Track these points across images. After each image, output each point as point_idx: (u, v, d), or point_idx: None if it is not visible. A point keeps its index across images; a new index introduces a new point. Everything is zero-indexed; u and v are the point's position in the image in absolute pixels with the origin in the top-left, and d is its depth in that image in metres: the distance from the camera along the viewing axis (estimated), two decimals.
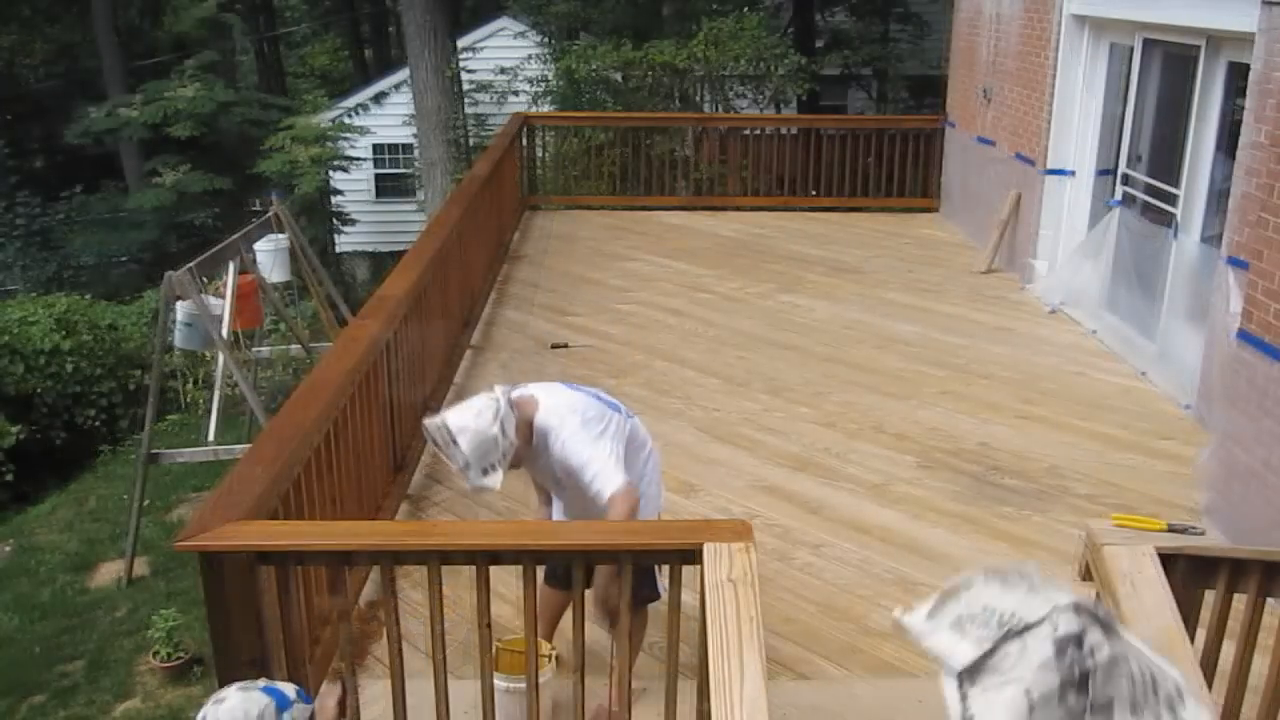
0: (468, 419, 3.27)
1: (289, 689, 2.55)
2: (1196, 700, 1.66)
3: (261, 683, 2.55)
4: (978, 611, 1.62)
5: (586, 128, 12.37)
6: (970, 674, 1.63)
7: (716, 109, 13.83)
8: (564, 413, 3.42)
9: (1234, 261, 5.43)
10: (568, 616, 3.24)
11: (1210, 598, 2.83)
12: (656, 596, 3.51)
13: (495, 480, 3.28)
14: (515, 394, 3.44)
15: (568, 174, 12.59)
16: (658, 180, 12.03)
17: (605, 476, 3.30)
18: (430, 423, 3.32)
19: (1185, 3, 6.50)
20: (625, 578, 3.00)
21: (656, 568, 3.36)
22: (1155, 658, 1.64)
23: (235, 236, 7.75)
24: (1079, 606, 1.58)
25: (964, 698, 1.60)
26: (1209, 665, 2.77)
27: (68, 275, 17.44)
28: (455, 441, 3.24)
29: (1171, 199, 6.81)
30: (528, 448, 3.43)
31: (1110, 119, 8.11)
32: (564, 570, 3.39)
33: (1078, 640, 1.56)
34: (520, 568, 3.03)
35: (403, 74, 17.49)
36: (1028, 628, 1.58)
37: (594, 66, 13.32)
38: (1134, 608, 2.62)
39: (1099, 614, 1.55)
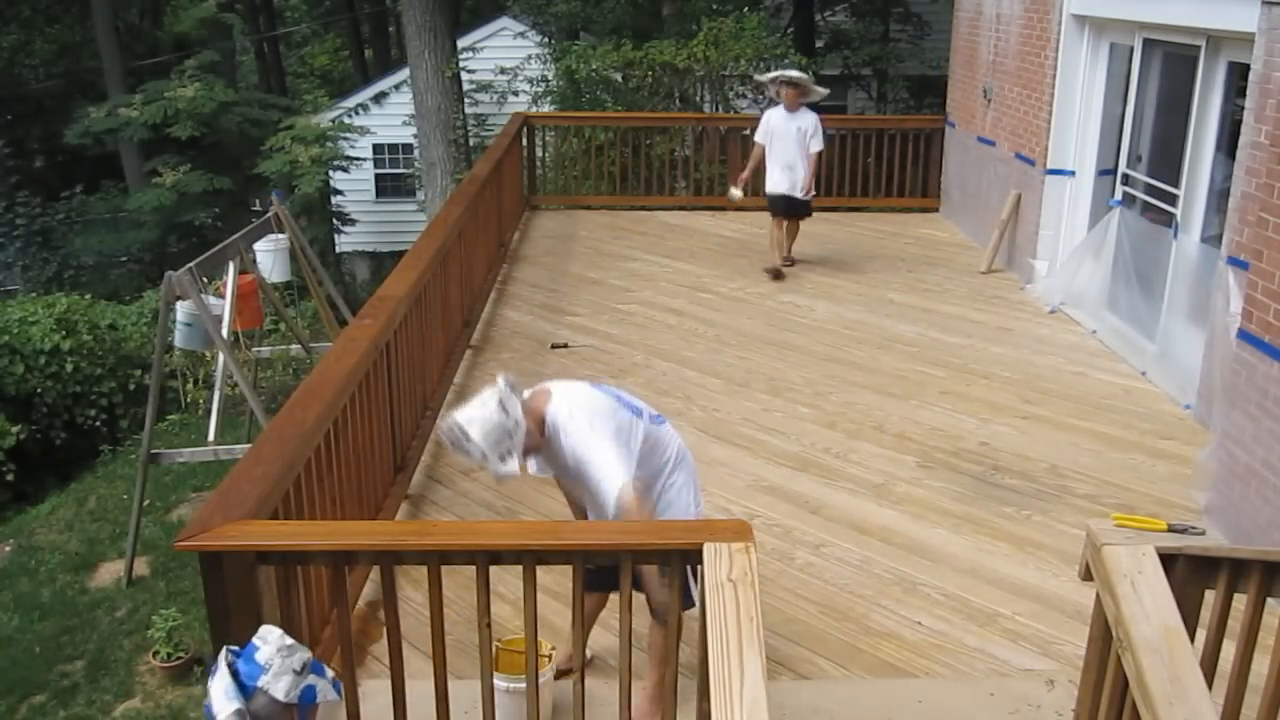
0: (473, 410, 3.35)
1: (329, 671, 2.50)
2: None
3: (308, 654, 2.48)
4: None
5: (587, 128, 12.36)
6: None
7: (716, 109, 13.82)
8: (573, 407, 3.46)
9: (1234, 261, 5.43)
10: (566, 617, 3.24)
11: (1210, 598, 2.83)
12: (692, 604, 3.39)
13: (514, 466, 3.33)
14: (532, 389, 3.53)
15: (568, 174, 12.59)
16: (658, 180, 12.03)
17: (607, 472, 3.31)
18: (441, 425, 3.38)
19: (1185, 3, 6.50)
20: (625, 576, 3.00)
21: (690, 575, 3.26)
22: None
23: (235, 236, 7.75)
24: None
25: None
26: (1209, 665, 2.77)
27: (68, 275, 17.46)
28: (467, 435, 3.29)
29: (1172, 199, 6.81)
30: (543, 440, 3.47)
31: (1111, 119, 8.12)
32: (598, 575, 3.39)
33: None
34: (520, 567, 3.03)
35: (403, 74, 17.50)
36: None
37: (594, 66, 13.31)
38: (1134, 608, 2.62)
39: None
